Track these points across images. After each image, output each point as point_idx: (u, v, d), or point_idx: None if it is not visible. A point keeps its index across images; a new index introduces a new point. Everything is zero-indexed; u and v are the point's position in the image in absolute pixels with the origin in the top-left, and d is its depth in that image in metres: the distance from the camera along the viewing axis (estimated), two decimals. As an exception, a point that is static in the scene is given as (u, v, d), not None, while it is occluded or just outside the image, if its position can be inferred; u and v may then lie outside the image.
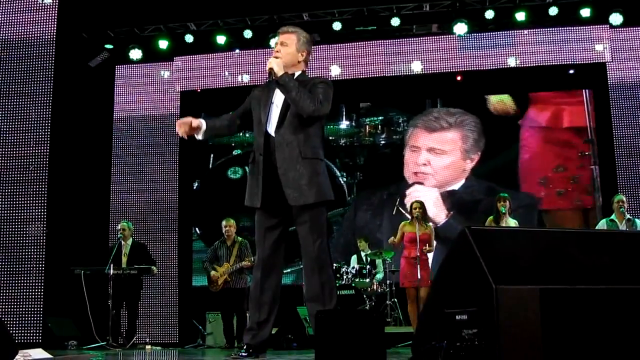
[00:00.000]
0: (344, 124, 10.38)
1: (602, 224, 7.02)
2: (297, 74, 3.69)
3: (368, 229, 9.72)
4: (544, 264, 2.39)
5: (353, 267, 8.50)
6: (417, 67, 9.52)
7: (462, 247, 2.40)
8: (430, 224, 7.22)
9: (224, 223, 7.93)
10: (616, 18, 8.80)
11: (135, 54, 9.59)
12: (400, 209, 9.41)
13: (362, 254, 8.79)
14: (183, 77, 10.00)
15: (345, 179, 10.19)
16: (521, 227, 6.81)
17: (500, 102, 9.98)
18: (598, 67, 9.30)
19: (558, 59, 9.26)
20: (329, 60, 9.60)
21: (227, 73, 9.87)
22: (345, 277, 8.42)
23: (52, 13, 8.07)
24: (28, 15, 8.07)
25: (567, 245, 2.49)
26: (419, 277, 6.65)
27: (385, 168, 10.03)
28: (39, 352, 3.69)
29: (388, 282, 8.20)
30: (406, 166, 9.88)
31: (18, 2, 8.13)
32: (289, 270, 9.25)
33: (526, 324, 2.15)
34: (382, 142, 10.27)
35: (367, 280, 8.37)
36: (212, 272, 7.81)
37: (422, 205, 7.01)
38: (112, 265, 7.34)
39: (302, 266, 3.73)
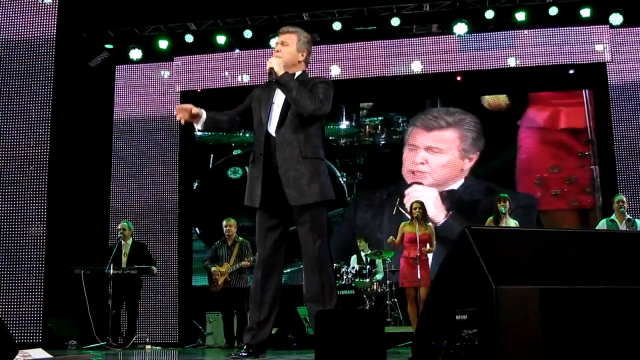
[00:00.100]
0: (344, 124, 10.38)
1: (602, 224, 7.02)
2: (297, 73, 3.68)
3: (368, 229, 9.72)
4: (544, 264, 2.39)
5: (353, 267, 8.50)
6: (417, 67, 9.52)
7: (462, 247, 2.40)
8: (430, 224, 7.20)
9: (224, 223, 7.92)
10: (616, 18, 8.80)
11: (135, 54, 9.59)
12: (400, 209, 9.41)
13: (362, 254, 8.79)
14: (183, 77, 10.00)
15: (345, 179, 10.19)
16: (521, 227, 6.81)
17: (494, 97, 9.98)
18: (598, 67, 9.30)
19: (558, 59, 9.27)
20: (329, 60, 9.60)
21: (227, 73, 9.87)
22: (345, 277, 8.42)
23: (52, 13, 8.07)
24: (28, 15, 8.07)
25: (567, 246, 2.49)
26: (419, 277, 6.65)
27: (385, 168, 10.03)
28: (39, 352, 3.68)
29: (388, 282, 8.19)
30: (404, 165, 9.89)
31: (18, 3, 8.13)
32: (288, 270, 9.24)
33: (526, 324, 2.15)
34: (382, 142, 10.27)
35: (367, 280, 8.37)
36: (213, 268, 7.81)
37: (422, 205, 7.00)
38: (112, 265, 7.34)
39: (300, 266, 3.73)
